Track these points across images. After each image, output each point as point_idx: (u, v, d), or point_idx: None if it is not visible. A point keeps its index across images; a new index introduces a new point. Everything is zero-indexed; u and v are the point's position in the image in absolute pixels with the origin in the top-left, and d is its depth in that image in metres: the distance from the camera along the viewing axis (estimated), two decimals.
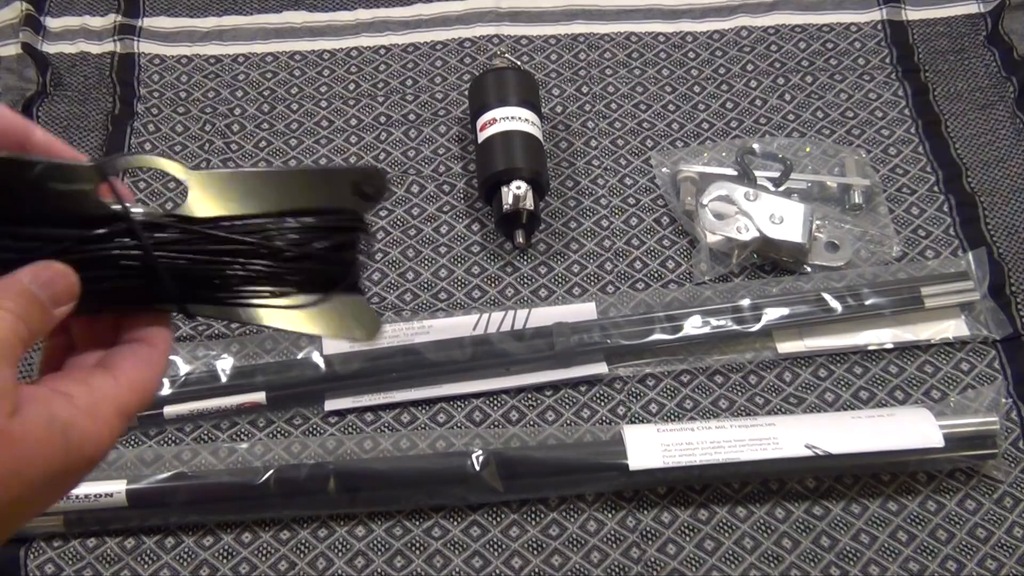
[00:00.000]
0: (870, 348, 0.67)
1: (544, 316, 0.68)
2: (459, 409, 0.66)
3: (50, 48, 0.84)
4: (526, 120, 0.73)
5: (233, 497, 0.61)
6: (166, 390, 0.65)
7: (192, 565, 0.60)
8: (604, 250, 0.72)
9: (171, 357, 0.63)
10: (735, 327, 0.67)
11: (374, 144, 0.78)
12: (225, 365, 0.66)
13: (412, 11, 0.86)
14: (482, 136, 0.73)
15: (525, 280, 0.71)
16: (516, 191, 0.69)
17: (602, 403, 0.66)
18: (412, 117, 0.80)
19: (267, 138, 0.79)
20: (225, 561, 0.60)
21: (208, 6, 0.87)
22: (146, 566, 0.60)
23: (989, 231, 0.72)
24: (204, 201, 0.38)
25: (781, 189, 0.73)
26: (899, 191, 0.75)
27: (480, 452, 0.61)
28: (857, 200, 0.73)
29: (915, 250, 0.72)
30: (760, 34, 0.84)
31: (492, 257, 0.72)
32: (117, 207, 0.36)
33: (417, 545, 0.60)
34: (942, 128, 0.78)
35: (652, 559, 0.60)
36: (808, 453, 0.60)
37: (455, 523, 0.61)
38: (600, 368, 0.66)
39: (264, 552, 0.60)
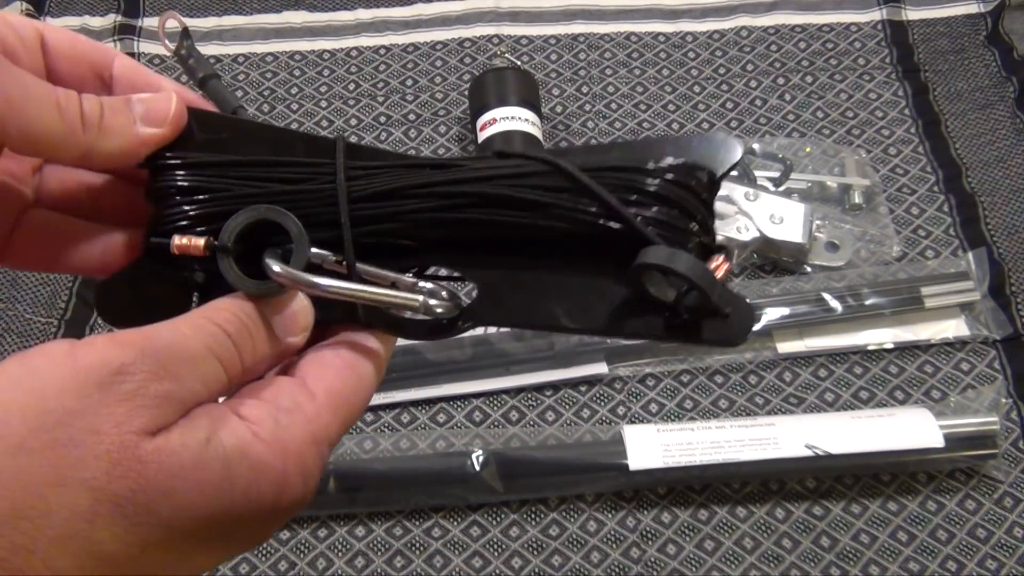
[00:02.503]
0: (870, 348, 0.67)
1: None
2: (459, 409, 0.66)
3: None
4: (526, 120, 0.73)
5: None
6: None
7: None
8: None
9: None
10: None
11: (374, 144, 0.78)
12: None
13: (412, 11, 0.86)
14: (482, 136, 0.73)
15: None
16: None
17: (602, 403, 0.66)
18: (412, 117, 0.80)
19: None
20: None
21: (208, 6, 0.87)
22: None
23: (989, 231, 0.72)
24: None
25: (781, 189, 0.73)
26: (899, 191, 0.75)
27: (480, 452, 0.61)
28: (857, 200, 0.73)
29: (915, 250, 0.72)
30: (760, 34, 0.84)
31: None
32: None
33: (417, 545, 0.61)
34: (942, 128, 0.78)
35: (652, 559, 0.60)
36: (808, 453, 0.60)
37: (455, 523, 0.61)
38: (600, 368, 0.66)
39: (264, 552, 0.60)
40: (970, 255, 0.70)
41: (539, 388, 0.66)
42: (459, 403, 0.66)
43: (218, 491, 0.26)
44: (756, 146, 0.76)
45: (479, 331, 0.67)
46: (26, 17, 0.32)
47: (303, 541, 0.61)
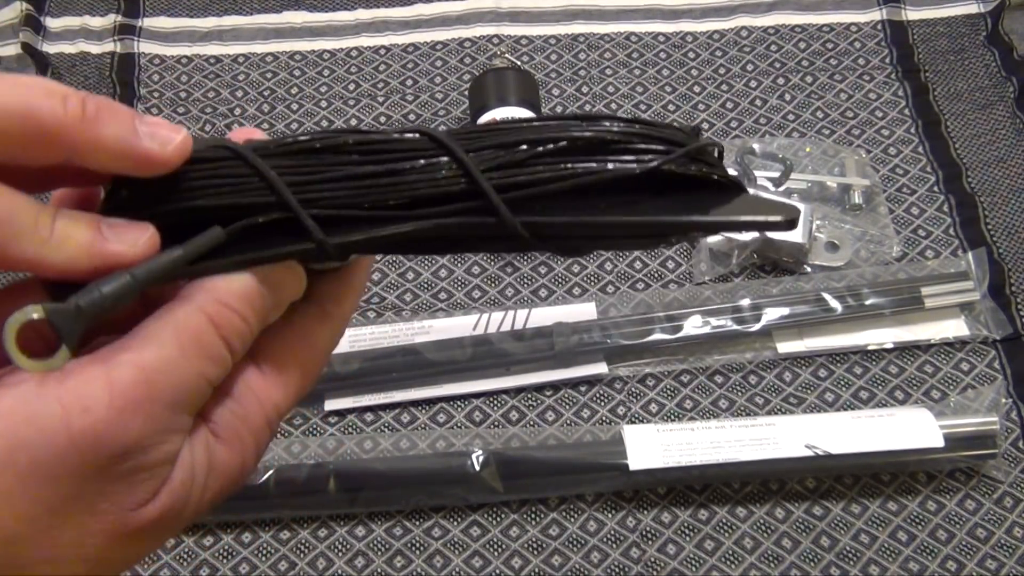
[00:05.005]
0: (870, 348, 0.67)
1: (544, 316, 0.68)
2: (459, 409, 0.66)
3: (50, 48, 0.84)
4: None
5: (232, 497, 0.61)
6: None
7: (192, 565, 0.60)
8: (604, 250, 0.72)
9: None
10: (735, 327, 0.67)
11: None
12: None
13: (412, 11, 0.86)
14: None
15: (525, 280, 0.71)
16: None
17: (602, 403, 0.66)
18: (412, 117, 0.80)
19: None
20: (225, 561, 0.60)
21: (208, 6, 0.87)
22: (146, 566, 0.60)
23: (989, 231, 0.72)
24: None
25: (781, 189, 0.73)
26: (899, 191, 0.75)
27: (480, 452, 0.61)
28: (857, 200, 0.73)
29: (915, 250, 0.72)
30: (760, 34, 0.84)
31: (492, 257, 0.72)
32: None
33: (417, 545, 0.61)
34: (942, 128, 0.78)
35: (652, 559, 0.60)
36: (808, 453, 0.60)
37: (455, 523, 0.61)
38: (600, 368, 0.66)
39: (264, 552, 0.60)
40: (970, 255, 0.70)
41: (539, 388, 0.66)
42: (459, 403, 0.66)
43: (194, 514, 0.27)
44: (756, 146, 0.76)
45: (479, 331, 0.67)
46: None
47: (303, 541, 0.61)
